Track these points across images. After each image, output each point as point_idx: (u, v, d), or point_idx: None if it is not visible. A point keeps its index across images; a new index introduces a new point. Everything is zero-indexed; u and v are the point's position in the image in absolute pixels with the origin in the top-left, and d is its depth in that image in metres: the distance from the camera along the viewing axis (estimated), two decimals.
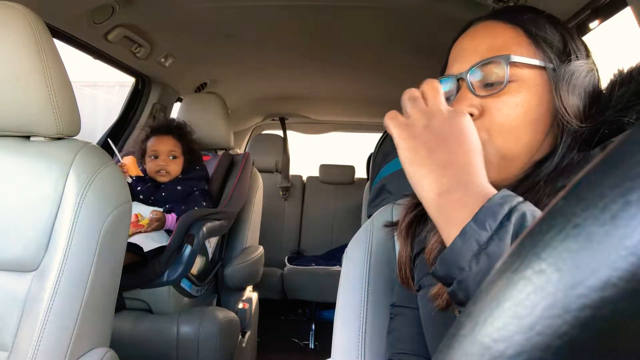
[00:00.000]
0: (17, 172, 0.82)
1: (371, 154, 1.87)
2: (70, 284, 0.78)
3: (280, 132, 3.06)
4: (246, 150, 3.07)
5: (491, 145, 0.50)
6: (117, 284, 0.90)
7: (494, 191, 0.39)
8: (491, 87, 0.51)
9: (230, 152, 1.93)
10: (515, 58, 0.50)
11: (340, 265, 0.79)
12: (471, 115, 0.51)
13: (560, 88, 0.49)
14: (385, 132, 1.50)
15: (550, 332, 0.13)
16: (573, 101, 0.49)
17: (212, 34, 1.68)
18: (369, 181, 1.83)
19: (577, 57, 0.51)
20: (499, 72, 0.50)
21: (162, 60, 1.80)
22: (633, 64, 0.49)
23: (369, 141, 3.31)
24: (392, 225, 0.69)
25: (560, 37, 0.53)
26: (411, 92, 0.45)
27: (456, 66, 0.55)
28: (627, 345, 0.12)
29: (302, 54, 1.92)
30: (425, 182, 0.40)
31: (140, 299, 1.43)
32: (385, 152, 1.36)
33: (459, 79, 0.54)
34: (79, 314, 0.79)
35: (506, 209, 0.35)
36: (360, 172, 2.92)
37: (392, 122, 0.43)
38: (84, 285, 0.79)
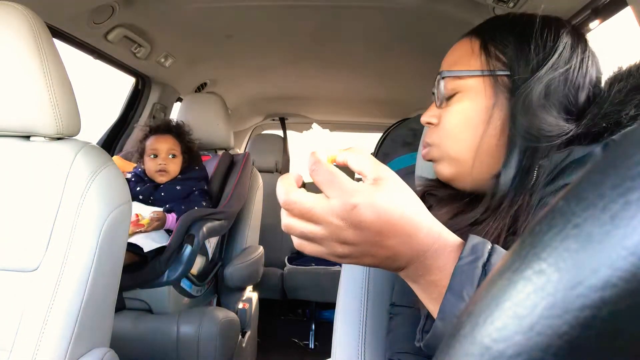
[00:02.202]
0: (17, 172, 0.82)
1: (371, 154, 1.87)
2: (70, 284, 0.78)
3: (280, 132, 3.06)
4: (246, 150, 3.07)
5: (440, 148, 0.57)
6: (117, 284, 0.90)
7: (454, 239, 0.37)
8: (446, 99, 0.57)
9: (230, 152, 1.93)
10: (446, 73, 0.56)
11: (340, 265, 0.79)
12: (431, 123, 0.59)
13: (514, 109, 0.51)
14: (386, 132, 1.50)
15: (550, 333, 0.13)
16: (528, 120, 0.50)
17: (212, 34, 1.68)
18: None
19: (543, 58, 0.51)
20: (441, 87, 0.57)
21: (162, 60, 1.80)
22: (632, 62, 0.50)
23: (369, 141, 3.31)
24: None
25: (515, 44, 0.53)
26: (300, 206, 0.36)
27: None
28: (628, 345, 0.12)
29: (302, 54, 1.92)
30: (380, 266, 0.38)
31: (140, 299, 1.43)
32: (385, 152, 1.36)
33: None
34: (79, 314, 0.79)
35: (480, 267, 0.34)
36: None
37: (311, 250, 0.37)
38: (84, 285, 0.79)
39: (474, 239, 0.36)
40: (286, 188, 0.37)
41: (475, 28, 0.60)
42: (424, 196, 0.64)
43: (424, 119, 0.60)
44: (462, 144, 0.55)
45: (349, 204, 0.34)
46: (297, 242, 0.38)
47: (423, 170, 0.74)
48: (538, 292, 0.14)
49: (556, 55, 0.51)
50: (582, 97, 0.51)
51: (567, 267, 0.13)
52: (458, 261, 0.35)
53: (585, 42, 0.54)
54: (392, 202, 0.35)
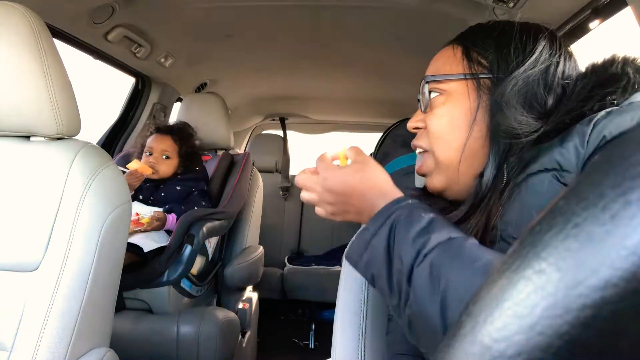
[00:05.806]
0: (17, 172, 0.82)
1: (371, 153, 1.87)
2: (70, 284, 0.78)
3: (280, 132, 3.06)
4: (246, 150, 3.07)
5: (431, 153, 0.60)
6: (117, 284, 0.90)
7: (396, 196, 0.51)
8: (430, 103, 0.60)
9: (230, 152, 1.93)
10: (430, 78, 0.59)
11: (341, 265, 0.79)
12: (418, 128, 0.62)
13: (492, 108, 0.54)
14: (386, 132, 1.50)
15: (550, 332, 0.13)
16: (503, 118, 0.52)
17: (212, 34, 1.68)
18: None
19: (522, 60, 0.53)
20: (426, 92, 0.59)
21: (162, 60, 1.79)
22: (598, 60, 0.51)
23: (369, 141, 3.31)
24: None
25: (495, 48, 0.55)
26: (302, 182, 0.58)
27: None
28: (628, 345, 0.12)
29: (302, 54, 1.92)
30: (356, 220, 0.54)
31: (140, 299, 1.43)
32: (385, 152, 1.36)
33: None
34: (79, 313, 0.79)
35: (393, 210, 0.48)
36: None
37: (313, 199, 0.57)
38: (84, 285, 0.79)
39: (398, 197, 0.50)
40: (301, 171, 0.59)
41: (457, 36, 0.62)
42: None
43: (410, 124, 0.63)
44: (449, 146, 0.57)
45: (323, 177, 0.55)
46: (318, 210, 0.58)
47: (419, 181, 0.75)
48: (538, 291, 0.14)
49: (533, 58, 0.53)
50: (553, 96, 0.53)
51: (568, 267, 0.13)
52: (383, 206, 0.50)
53: (561, 46, 0.56)
54: (352, 175, 0.53)
